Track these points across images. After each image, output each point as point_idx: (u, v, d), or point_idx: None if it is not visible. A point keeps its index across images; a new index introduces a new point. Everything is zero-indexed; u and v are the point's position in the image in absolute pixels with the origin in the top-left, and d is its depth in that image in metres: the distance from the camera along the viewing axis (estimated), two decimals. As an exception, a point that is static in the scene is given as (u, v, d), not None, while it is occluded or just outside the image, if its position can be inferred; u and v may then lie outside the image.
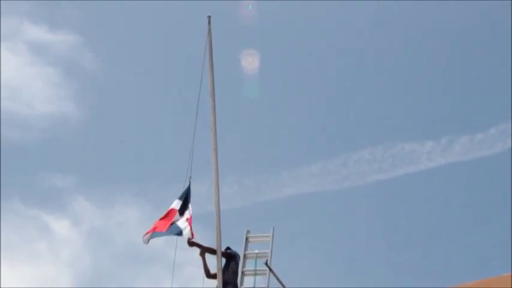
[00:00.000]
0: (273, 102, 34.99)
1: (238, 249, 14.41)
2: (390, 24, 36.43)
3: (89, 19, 37.70)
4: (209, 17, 14.92)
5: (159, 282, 27.25)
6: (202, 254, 14.17)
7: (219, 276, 13.77)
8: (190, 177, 14.32)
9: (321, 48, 36.12)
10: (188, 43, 31.44)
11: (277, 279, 14.13)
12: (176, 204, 14.26)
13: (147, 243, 13.98)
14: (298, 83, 35.62)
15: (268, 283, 14.01)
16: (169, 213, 14.19)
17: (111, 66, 37.62)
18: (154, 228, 14.01)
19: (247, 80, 28.07)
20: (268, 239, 14.44)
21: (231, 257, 14.10)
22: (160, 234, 14.00)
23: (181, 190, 14.41)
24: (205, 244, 14.12)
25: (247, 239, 14.60)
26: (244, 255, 14.43)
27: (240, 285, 14.06)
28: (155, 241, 14.13)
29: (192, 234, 13.98)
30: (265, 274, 14.10)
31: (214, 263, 13.96)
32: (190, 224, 14.02)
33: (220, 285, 13.73)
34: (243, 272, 14.24)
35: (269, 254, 14.24)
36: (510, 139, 28.43)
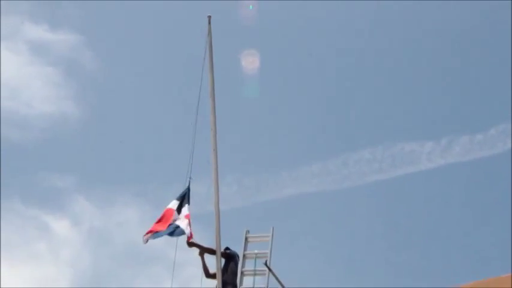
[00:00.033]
0: (273, 102, 35.02)
1: (238, 249, 14.40)
2: (390, 24, 36.47)
3: (89, 19, 37.74)
4: (209, 17, 14.92)
5: (159, 283, 27.28)
6: (201, 254, 14.16)
7: (219, 276, 13.76)
8: (190, 177, 14.34)
9: (321, 48, 36.17)
10: (188, 43, 31.46)
11: (277, 279, 14.12)
12: (173, 204, 14.27)
13: (146, 242, 13.99)
14: (298, 83, 35.65)
15: (268, 283, 14.01)
16: (166, 214, 14.19)
17: (111, 66, 37.66)
18: (153, 230, 14.02)
19: (247, 80, 28.06)
20: (268, 239, 14.43)
21: (230, 257, 14.09)
22: (161, 234, 14.01)
23: (181, 190, 14.42)
24: (204, 244, 14.11)
25: (246, 239, 14.59)
26: (244, 255, 14.43)
27: (240, 286, 14.05)
28: (155, 241, 14.14)
29: (191, 234, 13.98)
30: (264, 274, 14.10)
31: (213, 263, 13.97)
32: (189, 223, 14.02)
33: (220, 286, 13.73)
34: (242, 272, 14.23)
35: (268, 254, 14.23)
36: (510, 139, 28.43)
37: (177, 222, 14.00)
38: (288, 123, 35.03)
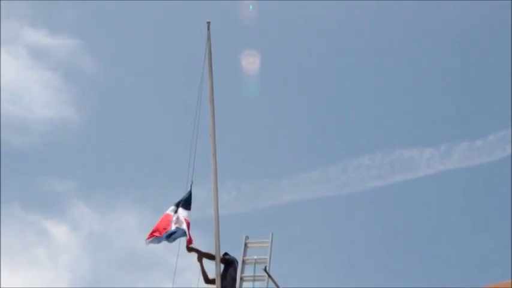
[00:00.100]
0: (273, 102, 35.03)
1: (237, 254, 14.38)
2: (390, 24, 36.44)
3: (88, 23, 37.74)
4: (208, 22, 14.85)
5: (159, 288, 27.29)
6: (200, 260, 14.13)
7: (218, 282, 13.73)
8: (192, 182, 14.31)
9: (321, 48, 36.16)
10: (188, 43, 31.38)
11: (276, 285, 14.09)
12: (171, 210, 14.24)
13: (148, 244, 14.02)
14: (298, 83, 35.65)
15: (267, 289, 14.00)
16: (164, 218, 14.16)
17: (111, 71, 37.64)
18: (153, 232, 14.01)
19: (247, 80, 28.03)
20: (267, 244, 14.42)
21: (229, 263, 14.07)
22: (162, 238, 14.00)
23: (181, 195, 14.40)
24: (203, 249, 14.09)
25: (246, 244, 14.57)
26: (243, 261, 14.41)
27: (239, 291, 14.05)
28: (155, 246, 14.14)
29: (191, 239, 13.96)
30: (263, 280, 14.07)
31: (212, 268, 13.94)
32: (188, 228, 14.00)
33: (219, 291, 13.71)
34: (241, 278, 14.20)
35: (268, 260, 14.21)
36: (509, 146, 28.44)
37: (177, 225, 13.98)
38: (288, 124, 35.07)
